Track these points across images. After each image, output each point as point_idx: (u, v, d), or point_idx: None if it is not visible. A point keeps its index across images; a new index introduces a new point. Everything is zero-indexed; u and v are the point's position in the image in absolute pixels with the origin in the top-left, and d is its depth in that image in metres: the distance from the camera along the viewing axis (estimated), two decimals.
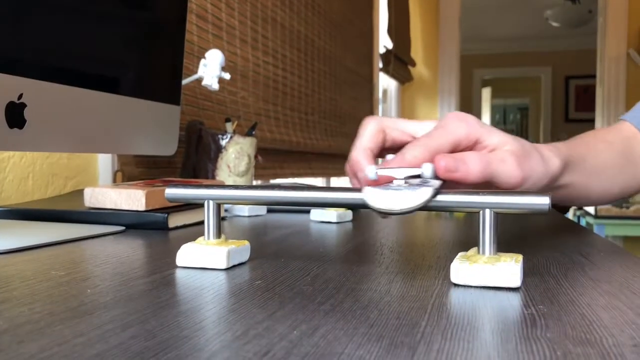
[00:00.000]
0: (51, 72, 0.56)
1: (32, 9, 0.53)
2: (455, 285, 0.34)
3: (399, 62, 3.17)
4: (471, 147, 0.46)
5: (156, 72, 0.75)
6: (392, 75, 3.15)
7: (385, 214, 0.36)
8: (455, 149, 0.45)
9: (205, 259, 0.39)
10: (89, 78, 0.61)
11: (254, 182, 0.99)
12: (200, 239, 0.41)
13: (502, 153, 0.44)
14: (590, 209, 3.21)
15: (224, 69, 0.95)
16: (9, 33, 0.51)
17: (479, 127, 0.46)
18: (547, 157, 0.48)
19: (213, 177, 0.90)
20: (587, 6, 5.04)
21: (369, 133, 0.50)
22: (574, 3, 5.19)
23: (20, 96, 0.52)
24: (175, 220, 0.62)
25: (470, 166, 0.42)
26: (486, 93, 6.94)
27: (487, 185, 0.45)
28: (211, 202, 0.40)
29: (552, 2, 5.22)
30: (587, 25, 5.29)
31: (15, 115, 0.52)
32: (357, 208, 0.46)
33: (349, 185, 0.52)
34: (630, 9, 3.28)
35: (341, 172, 2.22)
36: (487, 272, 0.33)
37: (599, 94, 3.45)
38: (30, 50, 0.54)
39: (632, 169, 0.63)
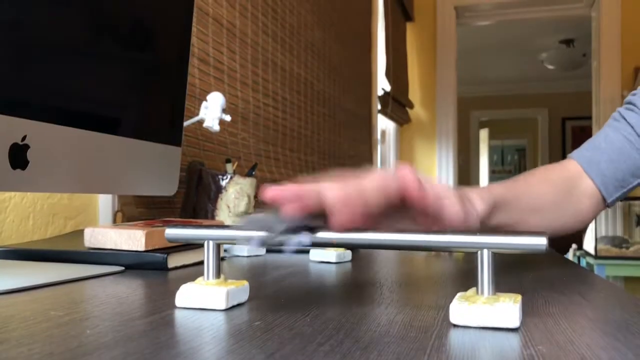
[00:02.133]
0: (55, 114, 0.57)
1: (36, 51, 0.55)
2: (455, 325, 0.34)
3: (397, 104, 3.21)
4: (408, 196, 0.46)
5: (158, 113, 0.76)
6: (391, 117, 3.19)
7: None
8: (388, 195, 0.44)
9: (204, 300, 0.39)
10: (91, 120, 0.62)
11: None
12: (200, 279, 0.41)
13: (449, 193, 0.47)
14: (591, 250, 3.20)
15: (225, 110, 0.96)
16: (14, 75, 0.52)
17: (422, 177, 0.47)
18: (474, 201, 0.52)
19: (213, 217, 0.91)
20: (582, 50, 5.13)
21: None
22: (569, 47, 5.28)
23: (24, 138, 0.53)
24: (174, 260, 0.62)
25: (428, 190, 0.44)
26: (484, 134, 7.00)
27: (429, 221, 0.47)
28: (211, 243, 0.41)
29: (547, 46, 5.31)
30: (582, 68, 5.38)
31: (19, 156, 0.52)
32: (356, 248, 0.47)
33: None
34: (623, 52, 3.34)
35: None
36: (486, 313, 0.33)
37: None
38: (34, 92, 0.55)
39: (572, 207, 0.66)
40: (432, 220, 0.47)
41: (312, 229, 0.39)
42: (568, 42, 5.24)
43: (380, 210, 0.43)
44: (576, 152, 0.71)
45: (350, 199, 0.40)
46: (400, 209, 0.48)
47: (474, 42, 5.15)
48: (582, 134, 6.49)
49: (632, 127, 0.71)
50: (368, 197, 0.41)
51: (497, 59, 5.88)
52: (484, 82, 6.64)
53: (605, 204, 0.70)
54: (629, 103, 0.74)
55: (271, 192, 0.37)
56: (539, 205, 0.63)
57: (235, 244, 0.42)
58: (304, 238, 0.38)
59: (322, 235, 0.39)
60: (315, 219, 0.39)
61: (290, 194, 0.38)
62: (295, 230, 0.38)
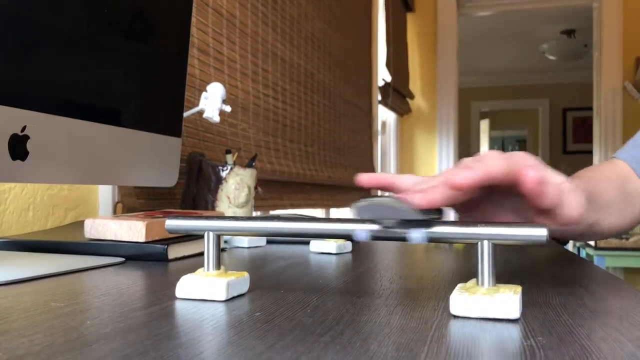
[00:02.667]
0: (54, 104, 0.57)
1: (36, 42, 0.54)
2: (455, 316, 0.34)
3: (397, 95, 3.20)
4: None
5: (158, 104, 0.76)
6: (391, 107, 3.18)
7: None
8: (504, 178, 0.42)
9: (204, 291, 0.39)
10: (91, 110, 0.62)
11: (254, 214, 0.99)
12: (200, 270, 0.41)
13: (572, 187, 0.44)
14: (592, 240, 3.20)
15: (225, 101, 0.96)
16: (13, 66, 0.52)
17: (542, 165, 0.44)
18: (598, 196, 0.49)
19: (213, 208, 0.91)
20: (583, 40, 5.11)
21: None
22: (570, 37, 5.27)
23: (23, 128, 0.53)
24: (175, 251, 0.62)
25: (550, 187, 0.41)
26: (484, 125, 6.99)
27: (538, 215, 0.45)
28: (211, 234, 0.41)
29: (548, 37, 5.30)
30: (583, 59, 5.37)
31: (18, 147, 0.52)
32: (354, 239, 0.47)
33: (348, 216, 0.52)
34: (624, 43, 3.33)
35: (340, 203, 2.22)
36: (486, 304, 0.33)
37: (596, 126, 3.48)
38: (33, 83, 0.55)
39: (629, 206, 0.64)
40: (542, 215, 0.44)
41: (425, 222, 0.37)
42: (569, 32, 5.22)
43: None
44: (622, 153, 0.69)
45: (478, 180, 0.39)
46: (506, 195, 0.46)
47: (474, 33, 5.13)
48: (583, 125, 6.49)
49: None
50: (494, 177, 0.40)
51: (498, 50, 5.86)
52: (484, 72, 6.62)
53: None
54: None
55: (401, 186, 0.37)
56: (610, 204, 0.59)
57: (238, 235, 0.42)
58: (421, 231, 0.36)
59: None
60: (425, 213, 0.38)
61: (419, 188, 0.37)
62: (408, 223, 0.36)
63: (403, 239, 0.36)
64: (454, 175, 0.38)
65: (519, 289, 0.35)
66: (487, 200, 0.48)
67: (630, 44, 3.33)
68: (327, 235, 0.39)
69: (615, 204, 0.61)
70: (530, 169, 0.40)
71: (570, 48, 5.31)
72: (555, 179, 0.43)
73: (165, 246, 0.60)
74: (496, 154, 0.42)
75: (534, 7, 3.77)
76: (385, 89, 2.98)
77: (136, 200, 1.01)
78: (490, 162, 0.41)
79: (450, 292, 0.36)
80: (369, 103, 2.75)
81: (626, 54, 3.33)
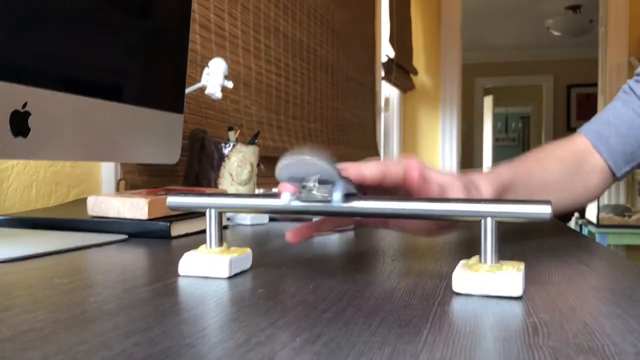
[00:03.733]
0: (55, 80, 0.56)
1: (37, 18, 0.54)
2: (457, 293, 0.34)
3: (400, 71, 3.18)
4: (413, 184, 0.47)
5: (159, 80, 0.76)
6: (394, 83, 3.16)
7: None
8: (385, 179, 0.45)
9: (207, 268, 0.39)
10: (92, 87, 0.62)
11: (256, 191, 0.99)
12: (202, 247, 0.41)
13: (453, 182, 0.48)
14: (593, 218, 3.21)
15: (227, 77, 0.95)
16: (14, 42, 0.52)
17: (427, 167, 0.48)
18: (480, 187, 0.52)
19: (215, 186, 0.91)
20: (588, 16, 5.05)
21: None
22: (575, 13, 5.20)
23: (24, 105, 0.52)
24: (177, 228, 0.62)
25: (432, 178, 0.46)
26: (488, 101, 6.95)
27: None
28: (213, 211, 0.41)
29: (553, 12, 5.23)
30: (588, 35, 5.31)
31: (20, 123, 0.52)
32: (359, 217, 0.47)
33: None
34: (631, 19, 3.29)
35: None
36: (489, 281, 0.33)
37: (600, 103, 3.45)
38: (34, 59, 0.54)
39: (581, 182, 0.66)
40: None
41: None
42: (575, 8, 5.15)
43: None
44: (585, 127, 0.71)
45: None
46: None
47: (479, 8, 5.07)
48: (587, 102, 6.44)
49: None
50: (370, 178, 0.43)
51: (502, 25, 5.79)
52: (488, 48, 6.56)
53: (615, 178, 0.70)
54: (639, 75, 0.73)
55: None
56: (549, 183, 0.63)
57: (239, 211, 0.41)
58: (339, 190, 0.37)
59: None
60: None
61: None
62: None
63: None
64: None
65: (521, 266, 0.35)
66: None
67: (636, 19, 3.29)
68: (331, 213, 0.39)
69: (559, 183, 0.63)
70: (414, 169, 0.44)
71: (575, 24, 5.25)
72: (435, 176, 0.47)
73: (168, 223, 0.60)
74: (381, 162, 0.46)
75: None
76: (389, 65, 2.96)
77: (139, 178, 1.01)
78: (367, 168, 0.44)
79: (453, 269, 0.36)
80: (372, 79, 2.73)
81: (632, 30, 3.29)
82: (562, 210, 0.65)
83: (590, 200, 0.68)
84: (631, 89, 0.72)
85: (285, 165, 0.36)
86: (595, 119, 0.71)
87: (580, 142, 0.69)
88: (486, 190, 0.53)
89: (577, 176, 0.66)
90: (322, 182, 0.37)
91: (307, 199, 0.37)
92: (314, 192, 0.37)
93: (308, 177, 0.37)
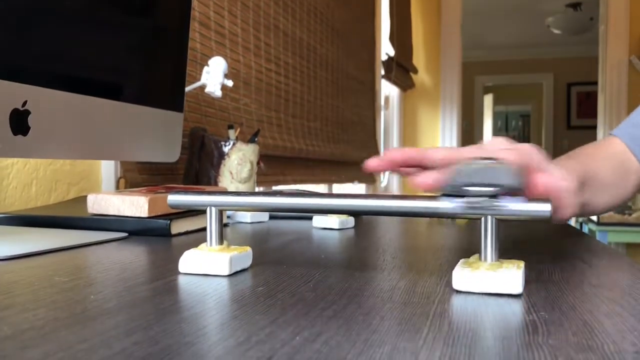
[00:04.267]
0: (55, 79, 0.56)
1: (37, 17, 0.54)
2: (457, 291, 0.34)
3: (400, 69, 3.17)
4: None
5: (159, 79, 0.76)
6: (394, 82, 3.16)
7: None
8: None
9: (207, 266, 0.39)
10: (92, 85, 0.62)
11: (256, 189, 0.99)
12: (203, 245, 0.41)
13: (568, 186, 0.47)
14: (593, 216, 3.21)
15: (226, 76, 0.95)
16: (14, 41, 0.52)
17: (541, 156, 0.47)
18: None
19: (215, 184, 0.91)
20: (589, 13, 5.05)
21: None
22: (576, 10, 5.20)
23: (24, 103, 0.52)
24: (177, 226, 0.62)
25: (553, 194, 0.45)
26: (488, 100, 6.94)
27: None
28: (213, 209, 0.41)
29: (553, 10, 5.23)
30: (589, 33, 5.30)
31: (20, 122, 0.52)
32: (359, 215, 0.47)
33: (350, 192, 0.52)
34: (631, 16, 3.29)
35: (343, 179, 2.22)
36: (489, 279, 0.33)
37: (600, 101, 3.45)
38: (34, 58, 0.54)
39: (624, 183, 0.66)
40: None
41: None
42: (575, 5, 5.14)
43: None
44: (618, 130, 0.71)
45: None
46: None
47: (479, 6, 5.06)
48: (588, 100, 6.44)
49: None
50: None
51: (502, 23, 5.79)
52: (488, 46, 6.55)
53: None
54: None
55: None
56: (605, 182, 0.62)
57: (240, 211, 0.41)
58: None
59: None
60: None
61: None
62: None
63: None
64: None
65: (521, 264, 0.35)
66: None
67: (637, 17, 3.28)
68: (331, 210, 0.39)
69: (610, 182, 0.63)
70: (541, 175, 0.43)
71: (575, 21, 5.24)
72: (559, 184, 0.45)
73: (168, 221, 0.60)
74: (504, 143, 0.45)
75: None
76: (389, 63, 2.96)
77: (139, 176, 1.01)
78: (504, 156, 0.43)
79: (453, 267, 0.36)
80: (372, 77, 2.73)
81: (632, 28, 3.29)
82: (609, 210, 0.65)
83: (626, 202, 0.69)
84: None
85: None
86: (627, 121, 0.71)
87: (617, 145, 0.69)
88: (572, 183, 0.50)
89: (621, 176, 0.66)
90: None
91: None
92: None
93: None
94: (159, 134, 0.74)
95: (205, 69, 0.94)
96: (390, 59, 2.97)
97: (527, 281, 0.37)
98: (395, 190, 3.36)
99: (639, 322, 0.28)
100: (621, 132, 0.70)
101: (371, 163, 0.46)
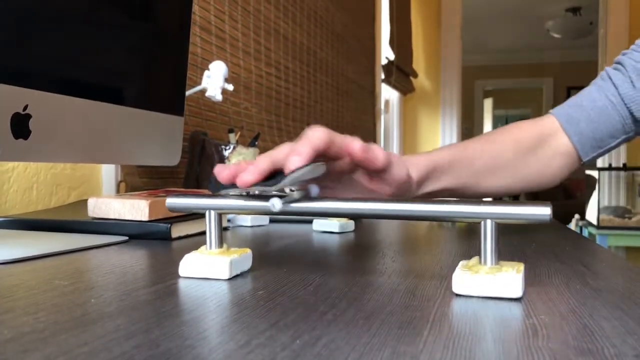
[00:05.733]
0: (56, 83, 0.57)
1: (38, 21, 0.54)
2: (457, 295, 0.34)
3: (400, 73, 3.18)
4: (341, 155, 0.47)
5: (160, 83, 0.76)
6: (394, 86, 3.16)
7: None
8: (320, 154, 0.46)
9: (207, 269, 0.39)
10: (93, 89, 0.62)
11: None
12: (203, 248, 0.41)
13: (394, 156, 0.50)
14: (593, 220, 3.21)
15: (227, 80, 0.95)
16: (15, 45, 0.52)
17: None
18: (411, 168, 0.54)
19: None
20: (588, 18, 5.06)
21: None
22: (575, 15, 5.21)
23: (25, 107, 0.53)
24: (178, 230, 0.62)
25: (377, 152, 0.47)
26: (488, 104, 6.95)
27: (374, 181, 0.50)
28: (212, 212, 0.41)
29: (553, 14, 5.24)
30: (588, 37, 5.31)
31: (21, 126, 0.52)
32: (359, 218, 0.47)
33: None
34: (630, 21, 3.29)
35: None
36: (489, 282, 0.33)
37: None
38: (35, 62, 0.54)
39: (538, 164, 0.67)
40: (375, 181, 0.50)
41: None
42: (574, 10, 5.16)
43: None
44: (557, 109, 0.71)
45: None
46: (349, 176, 0.51)
47: (479, 10, 5.07)
48: None
49: (616, 87, 0.70)
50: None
51: (502, 28, 5.80)
52: (488, 51, 6.56)
53: (581, 162, 0.70)
54: (618, 62, 0.74)
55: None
56: (497, 165, 0.63)
57: (238, 214, 0.42)
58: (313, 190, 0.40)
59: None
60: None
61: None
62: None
63: (266, 211, 0.40)
64: (288, 163, 0.40)
65: (521, 267, 0.35)
66: (330, 180, 0.52)
67: (636, 21, 3.29)
68: (331, 214, 0.39)
69: (507, 165, 0.64)
70: (354, 142, 0.45)
71: (575, 26, 5.25)
72: (375, 147, 0.47)
73: (168, 225, 0.60)
74: (318, 130, 0.45)
75: None
76: (389, 67, 2.96)
77: (139, 179, 1.01)
78: (313, 137, 0.44)
79: (453, 270, 0.36)
80: (372, 82, 2.74)
81: (632, 32, 3.29)
82: (510, 192, 0.66)
83: (549, 183, 0.69)
84: (608, 75, 0.72)
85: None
86: (568, 102, 0.72)
87: (548, 123, 0.69)
88: (413, 173, 0.54)
89: (534, 158, 0.66)
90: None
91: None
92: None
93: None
94: (160, 138, 0.74)
95: (206, 73, 0.95)
96: (390, 63, 2.97)
97: (527, 285, 0.37)
98: None
99: (639, 326, 0.28)
100: (559, 111, 0.70)
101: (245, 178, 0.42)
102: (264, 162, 0.41)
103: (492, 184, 0.63)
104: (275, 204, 0.39)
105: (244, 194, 0.40)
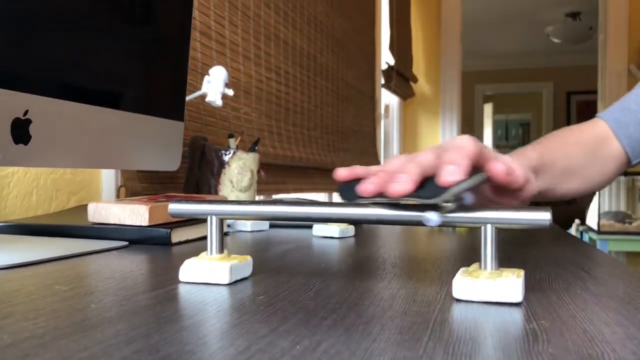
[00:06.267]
0: (56, 88, 0.57)
1: (38, 26, 0.54)
2: (457, 300, 0.34)
3: (400, 78, 3.18)
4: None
5: (160, 88, 0.76)
6: (394, 91, 3.16)
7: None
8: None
9: (208, 274, 0.39)
10: (93, 94, 0.62)
11: (257, 198, 0.99)
12: (203, 254, 0.41)
13: (527, 172, 0.50)
14: (594, 225, 3.20)
15: (227, 85, 0.95)
16: (15, 50, 0.52)
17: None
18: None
19: (216, 193, 0.91)
20: (588, 23, 5.07)
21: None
22: (575, 20, 5.22)
23: (25, 112, 0.53)
24: (178, 235, 0.62)
25: (518, 174, 0.46)
26: (488, 109, 6.95)
27: (503, 196, 0.50)
28: (214, 218, 0.41)
29: (553, 19, 5.25)
30: (588, 42, 5.32)
31: (21, 131, 0.52)
32: (359, 223, 0.47)
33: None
34: (630, 26, 3.30)
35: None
36: (489, 288, 0.33)
37: (600, 109, 3.46)
38: (35, 67, 0.54)
39: (599, 167, 0.67)
40: (510, 196, 0.50)
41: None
42: (574, 15, 5.17)
43: None
44: (605, 113, 0.71)
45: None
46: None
47: (479, 15, 5.08)
48: (588, 109, 6.45)
49: None
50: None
51: (502, 32, 5.81)
52: (488, 55, 6.57)
53: (630, 165, 0.70)
54: None
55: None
56: (571, 168, 0.63)
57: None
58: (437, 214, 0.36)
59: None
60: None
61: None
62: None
63: (418, 223, 0.36)
64: (390, 183, 0.37)
65: (521, 272, 0.35)
66: None
67: (636, 26, 3.29)
68: (331, 219, 0.39)
69: (579, 168, 0.64)
70: (496, 163, 0.43)
71: (575, 31, 5.26)
72: (516, 165, 0.47)
73: (169, 230, 0.60)
74: (469, 140, 0.43)
75: None
76: (389, 72, 2.96)
77: (139, 184, 1.02)
78: (467, 147, 0.42)
79: (453, 275, 0.36)
80: (372, 86, 2.74)
81: (632, 37, 3.30)
82: (578, 194, 0.66)
83: (605, 186, 0.70)
84: None
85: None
86: (615, 105, 0.71)
87: (600, 127, 0.69)
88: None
89: (596, 161, 0.66)
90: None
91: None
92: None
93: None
94: (160, 143, 0.74)
95: (206, 78, 0.95)
96: (390, 67, 2.98)
97: (527, 290, 0.37)
98: None
99: (639, 331, 0.28)
100: (607, 115, 0.70)
101: (341, 173, 0.43)
102: (415, 171, 0.38)
103: (568, 187, 0.64)
104: (432, 218, 0.35)
105: (374, 202, 0.38)
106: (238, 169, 0.90)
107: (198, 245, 0.62)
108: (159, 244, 0.60)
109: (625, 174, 3.30)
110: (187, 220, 0.65)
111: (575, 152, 0.64)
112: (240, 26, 1.38)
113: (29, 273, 0.43)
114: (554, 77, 6.73)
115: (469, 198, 0.38)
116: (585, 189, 0.66)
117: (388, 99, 3.34)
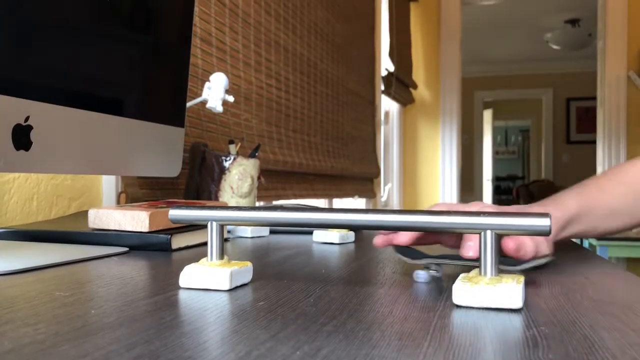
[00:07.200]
0: (58, 94, 0.57)
1: (39, 32, 0.54)
2: (457, 306, 0.34)
3: (400, 85, 3.19)
4: None
5: (161, 94, 0.76)
6: (394, 97, 3.17)
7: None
8: None
9: (208, 280, 0.39)
10: (94, 100, 0.62)
11: (257, 204, 0.99)
12: (203, 260, 0.41)
13: (547, 247, 0.52)
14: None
15: (227, 91, 0.96)
16: (16, 56, 0.52)
17: None
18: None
19: (216, 199, 0.91)
20: (587, 30, 5.08)
21: None
22: (574, 26, 5.23)
23: (27, 119, 0.53)
24: (178, 241, 0.62)
25: (528, 249, 0.49)
26: (487, 115, 6.96)
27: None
28: (214, 224, 0.41)
29: (552, 26, 5.26)
30: (587, 48, 5.34)
31: (22, 137, 0.52)
32: (359, 229, 0.47)
33: (351, 206, 0.53)
34: (629, 32, 3.31)
35: (343, 193, 2.22)
36: (489, 294, 0.33)
37: (599, 116, 3.46)
38: (36, 73, 0.55)
39: None
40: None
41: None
42: (573, 21, 5.18)
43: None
44: None
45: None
46: None
47: (478, 22, 5.10)
48: (587, 115, 6.46)
49: None
50: None
51: (501, 39, 5.83)
52: (488, 62, 6.59)
53: None
54: None
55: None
56: (613, 211, 0.64)
57: (236, 225, 0.42)
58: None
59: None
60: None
61: None
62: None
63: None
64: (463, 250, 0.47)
65: (521, 278, 0.35)
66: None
67: (635, 33, 3.30)
68: (331, 225, 0.39)
69: (624, 209, 0.65)
70: (508, 241, 0.47)
71: (574, 37, 5.28)
72: (527, 240, 0.49)
73: (169, 236, 0.61)
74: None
75: None
76: (388, 78, 2.97)
77: (139, 190, 1.02)
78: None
79: (453, 281, 0.36)
80: (372, 93, 2.74)
81: (630, 44, 3.31)
82: (624, 230, 0.67)
83: None
84: None
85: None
86: None
87: None
88: (554, 232, 0.56)
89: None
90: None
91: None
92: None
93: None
94: (160, 149, 0.74)
95: (207, 84, 0.95)
96: (390, 74, 2.98)
97: (527, 295, 0.37)
98: (395, 205, 3.36)
99: (639, 337, 0.28)
100: None
101: (379, 241, 0.51)
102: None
103: (610, 226, 0.64)
104: (422, 276, 0.44)
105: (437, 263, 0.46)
106: (238, 175, 0.90)
107: (198, 251, 0.62)
108: (159, 250, 0.60)
109: None
110: (187, 226, 0.65)
111: (617, 193, 0.65)
112: (241, 33, 1.38)
113: (30, 279, 0.43)
114: (554, 84, 6.74)
115: (440, 271, 0.45)
116: (632, 225, 0.66)
117: (388, 105, 3.34)
